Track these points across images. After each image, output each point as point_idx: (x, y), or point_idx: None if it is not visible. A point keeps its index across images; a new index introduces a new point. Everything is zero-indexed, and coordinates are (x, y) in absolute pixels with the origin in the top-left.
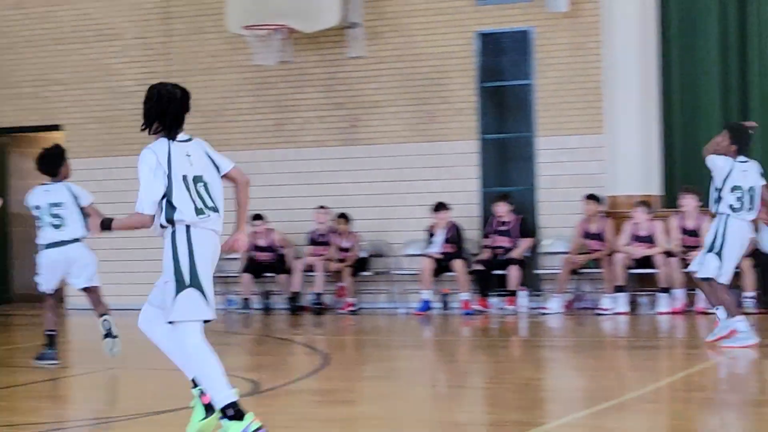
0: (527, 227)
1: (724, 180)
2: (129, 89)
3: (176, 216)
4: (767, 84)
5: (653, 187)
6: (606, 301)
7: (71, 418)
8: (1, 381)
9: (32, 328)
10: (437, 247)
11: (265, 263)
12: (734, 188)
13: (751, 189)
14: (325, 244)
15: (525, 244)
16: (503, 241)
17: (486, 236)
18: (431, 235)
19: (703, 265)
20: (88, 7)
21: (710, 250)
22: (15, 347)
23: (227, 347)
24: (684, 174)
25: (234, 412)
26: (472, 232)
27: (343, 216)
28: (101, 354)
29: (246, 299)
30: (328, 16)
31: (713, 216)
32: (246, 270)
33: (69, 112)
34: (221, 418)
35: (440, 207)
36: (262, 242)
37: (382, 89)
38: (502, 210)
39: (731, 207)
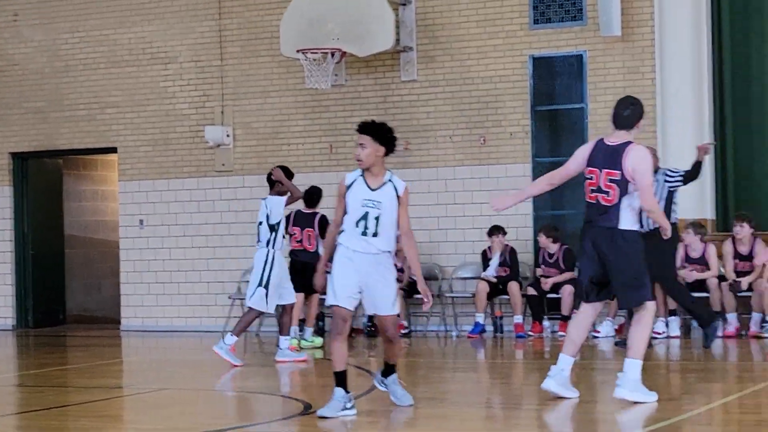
0: (571, 258)
1: None
2: (183, 112)
3: None
4: None
5: (706, 210)
6: (659, 325)
7: None
8: (54, 401)
9: (85, 349)
10: (492, 271)
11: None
12: None
13: None
14: None
15: (567, 276)
16: (552, 272)
17: (538, 266)
18: (486, 258)
19: None
20: (143, 31)
21: None
22: (69, 368)
23: (279, 368)
24: (737, 198)
25: None
26: (525, 255)
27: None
28: (153, 374)
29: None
30: (381, 40)
31: None
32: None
33: (123, 135)
34: None
35: (496, 230)
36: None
37: (435, 113)
38: (544, 242)
39: None
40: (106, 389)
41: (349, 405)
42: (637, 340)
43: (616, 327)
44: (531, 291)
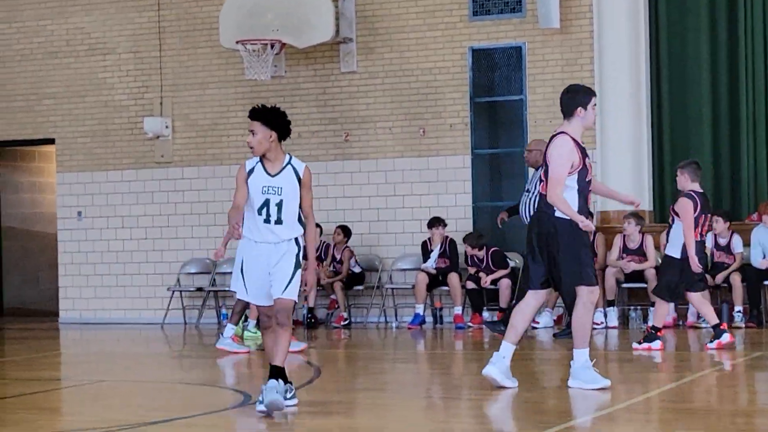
0: (500, 257)
1: None
2: (122, 103)
3: None
4: (759, 101)
5: (644, 202)
6: (597, 315)
7: (62, 428)
8: None
9: (23, 342)
10: (432, 262)
11: None
12: None
13: None
14: (318, 258)
15: (501, 273)
16: (482, 274)
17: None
18: (427, 249)
19: None
20: (82, 21)
21: None
22: (6, 360)
23: (219, 360)
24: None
25: None
26: (464, 246)
27: (342, 228)
28: (92, 366)
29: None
30: (321, 32)
31: None
32: None
33: (61, 126)
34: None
35: (436, 222)
36: None
37: (375, 104)
38: (470, 251)
39: None
40: (45, 381)
41: (289, 395)
42: (575, 329)
43: (555, 318)
44: (470, 285)
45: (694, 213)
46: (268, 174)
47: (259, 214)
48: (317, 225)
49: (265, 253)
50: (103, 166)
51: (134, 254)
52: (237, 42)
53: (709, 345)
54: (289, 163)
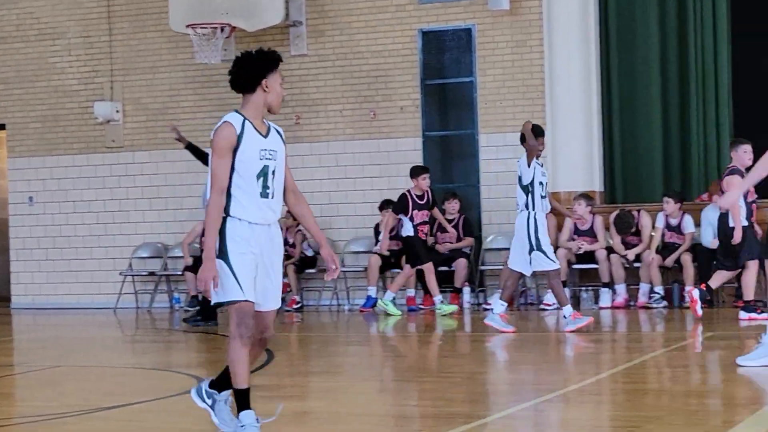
0: (470, 226)
1: None
2: (72, 88)
3: None
4: (708, 79)
5: (594, 183)
6: (549, 297)
7: (16, 414)
8: None
9: None
10: (384, 245)
11: None
12: None
13: None
14: None
15: (464, 244)
16: (450, 238)
17: (433, 234)
18: (379, 232)
19: None
20: (30, 6)
21: None
22: None
23: (172, 344)
24: (624, 170)
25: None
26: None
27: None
28: (46, 351)
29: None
30: (270, 15)
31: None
32: (188, 269)
33: (11, 111)
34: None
35: (387, 204)
36: None
37: (325, 87)
38: (453, 207)
39: None
40: None
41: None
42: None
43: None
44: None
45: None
46: (260, 134)
47: (256, 184)
48: None
49: (255, 238)
50: (53, 151)
51: (86, 239)
52: (187, 26)
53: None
54: (270, 125)
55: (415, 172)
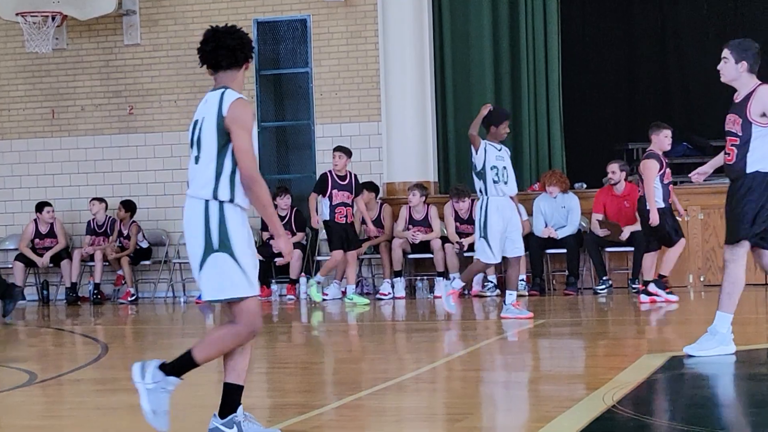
0: (301, 220)
1: None
2: None
3: None
4: (539, 70)
5: (429, 173)
6: (385, 286)
7: None
8: None
9: None
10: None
11: (44, 252)
12: None
13: None
14: (105, 234)
15: (297, 238)
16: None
17: (265, 229)
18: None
19: None
20: None
21: None
22: None
23: (1, 339)
24: (458, 161)
25: None
26: (251, 220)
27: (126, 203)
28: None
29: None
30: (103, 3)
31: None
32: (18, 258)
33: None
34: None
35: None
36: (44, 230)
37: (160, 77)
38: (282, 203)
39: None
40: None
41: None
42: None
43: (343, 289)
44: (259, 256)
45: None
46: None
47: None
48: (101, 199)
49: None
50: None
51: None
52: (17, 14)
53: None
54: None
55: (335, 150)
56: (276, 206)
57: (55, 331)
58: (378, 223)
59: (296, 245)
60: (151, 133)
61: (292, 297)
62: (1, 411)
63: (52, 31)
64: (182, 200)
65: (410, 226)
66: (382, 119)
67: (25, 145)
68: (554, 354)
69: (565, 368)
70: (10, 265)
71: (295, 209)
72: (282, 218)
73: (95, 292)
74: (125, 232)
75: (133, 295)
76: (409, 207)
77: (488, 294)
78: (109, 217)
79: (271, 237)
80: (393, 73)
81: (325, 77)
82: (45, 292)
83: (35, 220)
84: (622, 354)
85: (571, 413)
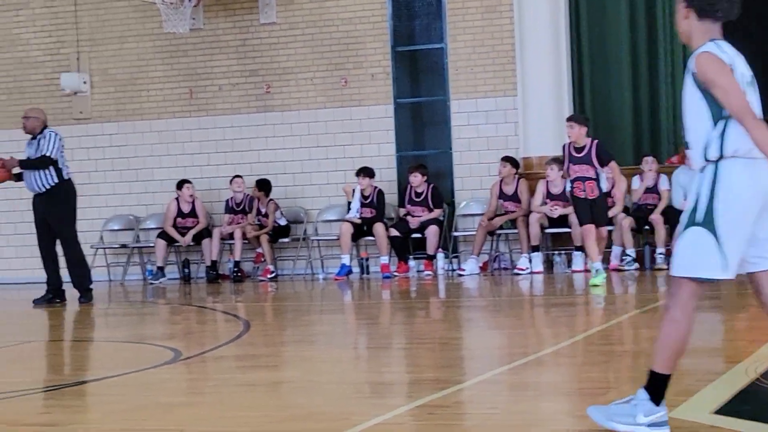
0: (439, 196)
1: None
2: (37, 59)
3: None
4: (677, 40)
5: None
6: (522, 261)
7: None
8: None
9: None
10: (356, 212)
11: (185, 231)
12: None
13: None
14: (243, 212)
15: (435, 214)
16: (419, 211)
17: (402, 205)
18: (349, 202)
19: None
20: None
21: None
22: None
23: (146, 317)
24: (595, 134)
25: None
26: (389, 196)
27: (261, 183)
28: (15, 327)
29: (161, 268)
30: None
31: None
32: (161, 236)
33: None
34: None
35: (361, 172)
36: (186, 209)
37: (296, 55)
38: (417, 181)
39: None
40: None
41: None
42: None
43: (481, 264)
44: (394, 232)
45: None
46: None
47: None
48: (239, 176)
49: None
50: (20, 124)
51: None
52: None
53: None
54: None
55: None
56: (409, 183)
57: (197, 309)
58: (515, 197)
59: (433, 221)
60: (288, 111)
61: (430, 273)
62: (148, 388)
63: (189, 11)
64: (320, 178)
65: (548, 200)
66: (518, 93)
67: (164, 125)
68: (694, 327)
69: (706, 341)
70: (152, 244)
71: (431, 185)
72: (418, 195)
73: (235, 269)
74: (263, 211)
75: (272, 272)
76: (547, 181)
77: (627, 268)
78: (247, 195)
79: (408, 213)
80: (528, 47)
81: (460, 52)
82: (186, 270)
83: (177, 198)
84: (764, 327)
85: (714, 387)
